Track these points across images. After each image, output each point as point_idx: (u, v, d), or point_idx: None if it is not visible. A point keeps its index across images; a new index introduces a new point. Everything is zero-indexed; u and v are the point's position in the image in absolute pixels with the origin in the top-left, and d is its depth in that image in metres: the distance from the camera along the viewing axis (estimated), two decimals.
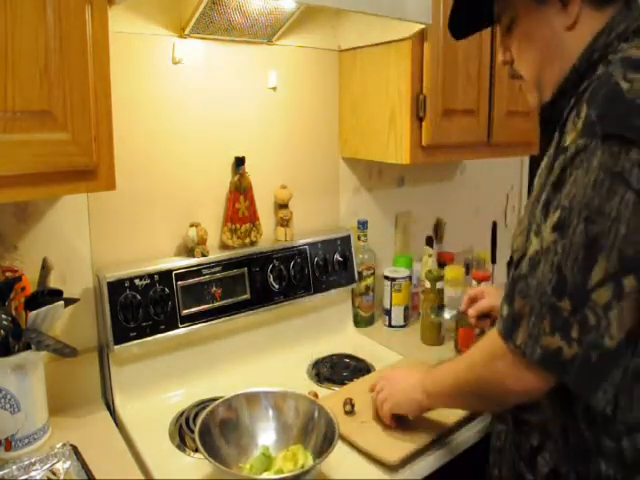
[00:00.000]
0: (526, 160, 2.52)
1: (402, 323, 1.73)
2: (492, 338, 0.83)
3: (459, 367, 0.93)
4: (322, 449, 1.00)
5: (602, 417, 0.79)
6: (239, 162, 1.42)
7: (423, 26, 1.34)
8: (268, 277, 1.44)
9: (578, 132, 0.74)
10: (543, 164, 0.85)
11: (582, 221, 0.71)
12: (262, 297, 1.43)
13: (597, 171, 0.71)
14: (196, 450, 1.07)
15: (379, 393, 1.13)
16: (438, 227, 2.06)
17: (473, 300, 1.26)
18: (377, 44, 1.49)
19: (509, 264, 0.91)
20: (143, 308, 1.23)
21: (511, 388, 0.80)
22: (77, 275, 1.23)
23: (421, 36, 1.39)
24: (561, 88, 0.86)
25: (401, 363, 1.14)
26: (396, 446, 1.07)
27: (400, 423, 1.11)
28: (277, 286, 1.46)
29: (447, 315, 1.26)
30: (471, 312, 1.25)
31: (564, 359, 0.73)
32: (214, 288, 1.34)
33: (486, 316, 1.24)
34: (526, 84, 0.93)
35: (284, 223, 1.52)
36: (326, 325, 1.63)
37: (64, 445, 1.01)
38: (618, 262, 0.70)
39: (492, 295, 1.23)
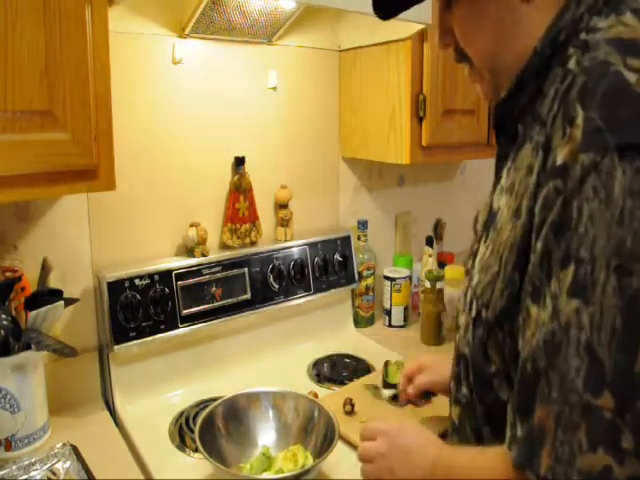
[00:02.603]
0: None
1: (402, 323, 1.73)
2: (499, 469, 0.60)
3: None
4: (322, 449, 1.00)
5: None
6: (239, 162, 1.42)
7: (423, 26, 1.34)
8: (268, 277, 1.44)
9: (578, 144, 0.54)
10: (513, 182, 0.65)
11: (613, 274, 0.51)
12: (262, 297, 1.43)
13: (622, 199, 0.51)
14: (196, 450, 1.07)
15: (375, 457, 0.82)
16: (438, 227, 2.06)
17: (410, 378, 1.11)
18: (377, 44, 1.49)
19: (475, 320, 0.69)
20: (143, 308, 1.23)
21: None
22: (77, 275, 1.23)
23: (421, 36, 1.39)
24: (519, 79, 0.67)
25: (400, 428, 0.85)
26: None
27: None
28: (277, 286, 1.46)
29: (386, 393, 1.22)
30: (410, 391, 1.10)
31: None
32: (214, 288, 1.34)
33: (428, 394, 1.11)
34: (475, 71, 0.76)
35: (284, 223, 1.52)
36: (326, 325, 1.63)
37: (64, 445, 1.01)
38: None
39: (431, 369, 1.08)
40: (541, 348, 0.55)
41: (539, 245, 0.57)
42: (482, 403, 0.70)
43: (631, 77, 0.54)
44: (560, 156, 0.55)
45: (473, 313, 0.69)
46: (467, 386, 0.73)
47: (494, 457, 0.62)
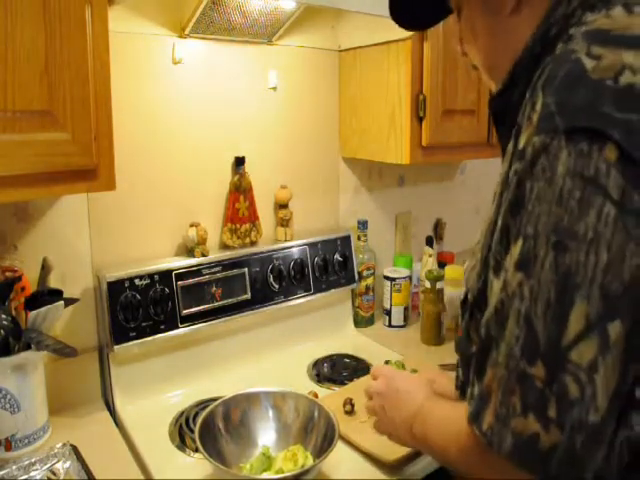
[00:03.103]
0: None
1: (402, 323, 1.73)
2: (461, 424, 0.65)
3: (438, 445, 0.75)
4: (322, 449, 1.00)
5: None
6: (239, 162, 1.42)
7: None
8: (268, 277, 1.44)
9: (534, 127, 0.57)
10: (500, 175, 0.68)
11: (551, 250, 0.54)
12: (262, 297, 1.43)
13: (563, 179, 0.53)
14: (196, 450, 1.07)
15: (374, 395, 0.96)
16: (438, 227, 2.06)
17: None
18: (377, 44, 1.49)
19: (463, 304, 0.74)
20: (143, 308, 1.23)
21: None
22: (77, 275, 1.23)
23: (421, 36, 1.39)
24: (512, 74, 0.69)
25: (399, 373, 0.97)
26: (396, 446, 1.07)
27: None
28: (277, 286, 1.46)
29: None
30: None
31: (541, 450, 0.54)
32: (214, 288, 1.34)
33: None
34: (483, 75, 0.79)
35: (284, 223, 1.52)
36: (326, 325, 1.63)
37: (64, 445, 1.01)
38: (601, 303, 0.52)
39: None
40: (493, 316, 0.60)
41: (500, 222, 0.61)
42: (462, 357, 0.76)
43: (589, 63, 0.55)
44: (522, 140, 0.59)
45: (462, 298, 0.75)
46: (461, 371, 0.78)
47: (462, 413, 0.66)
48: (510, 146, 0.63)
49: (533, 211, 0.56)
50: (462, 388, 0.78)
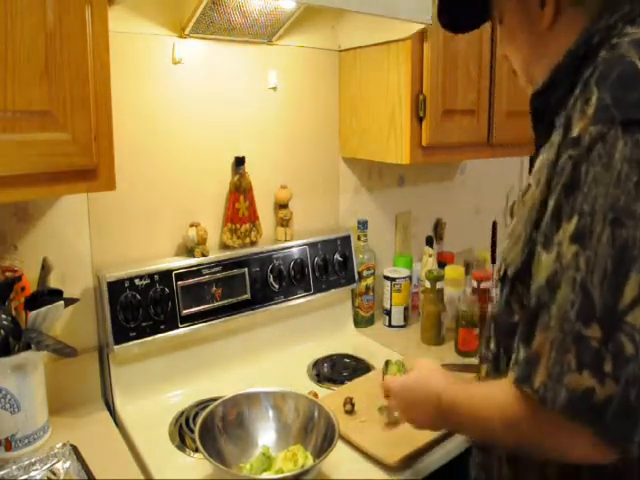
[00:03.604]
0: (526, 160, 2.52)
1: (402, 323, 1.73)
2: (505, 394, 0.68)
3: (477, 428, 0.78)
4: (322, 449, 1.00)
5: (613, 470, 0.67)
6: (239, 162, 1.42)
7: (423, 26, 1.34)
8: (268, 277, 1.44)
9: (590, 119, 0.63)
10: (540, 162, 0.74)
11: (608, 226, 0.60)
12: (262, 297, 1.43)
13: (621, 164, 0.60)
14: (196, 450, 1.07)
15: (398, 410, 1.00)
16: (438, 227, 2.06)
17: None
18: (377, 44, 1.49)
19: (502, 279, 0.79)
20: (143, 308, 1.23)
21: (550, 453, 0.67)
22: (77, 275, 1.23)
23: (421, 36, 1.39)
24: (554, 75, 0.76)
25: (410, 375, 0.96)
26: (396, 446, 1.07)
27: None
28: (277, 286, 1.46)
29: None
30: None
31: (596, 402, 0.58)
32: (214, 288, 1.34)
33: None
34: (520, 79, 0.87)
35: (284, 223, 1.52)
36: (326, 325, 1.63)
37: (64, 445, 1.01)
38: None
39: None
40: (544, 285, 0.65)
41: (551, 202, 0.66)
42: (506, 353, 0.77)
43: None
44: (575, 129, 0.65)
45: (501, 273, 0.80)
46: (495, 342, 0.83)
47: (501, 386, 0.70)
48: (557, 137, 0.70)
49: (589, 192, 0.61)
50: (495, 360, 0.82)
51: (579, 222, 0.62)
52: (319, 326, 1.61)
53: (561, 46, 0.74)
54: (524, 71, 0.84)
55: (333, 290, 1.60)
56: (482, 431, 0.77)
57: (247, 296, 1.40)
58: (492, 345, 0.83)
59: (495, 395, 0.72)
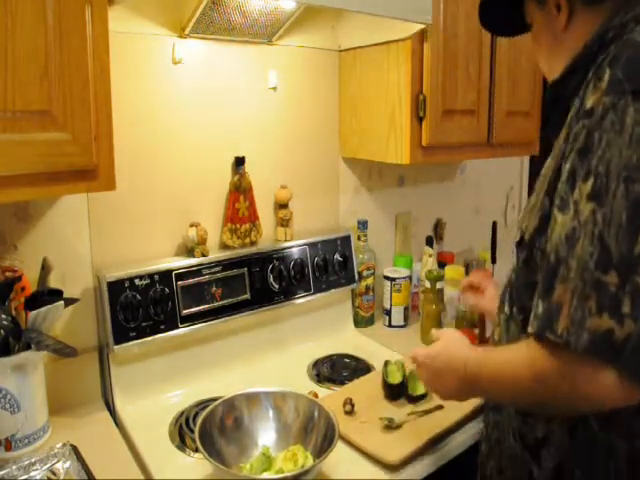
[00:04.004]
0: (526, 160, 2.53)
1: (402, 323, 1.73)
2: (532, 350, 0.72)
3: (506, 390, 0.81)
4: (322, 449, 1.00)
5: (617, 417, 0.74)
6: (239, 162, 1.42)
7: (423, 26, 1.34)
8: (268, 277, 1.44)
9: (602, 91, 0.70)
10: (556, 142, 0.80)
11: (622, 183, 0.66)
12: (262, 297, 1.43)
13: (632, 128, 0.66)
14: (196, 450, 1.07)
15: (424, 382, 1.03)
16: (438, 227, 2.06)
17: (473, 287, 1.25)
18: (377, 44, 1.49)
19: (519, 244, 0.86)
20: (143, 308, 1.23)
21: (580, 402, 0.70)
22: (77, 275, 1.23)
23: (421, 36, 1.39)
24: (571, 64, 0.84)
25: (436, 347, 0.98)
26: (396, 446, 1.07)
27: None
28: (277, 286, 1.46)
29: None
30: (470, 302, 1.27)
31: (616, 341, 0.64)
32: (214, 288, 1.34)
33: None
34: (544, 71, 0.96)
35: (284, 223, 1.52)
36: (326, 325, 1.63)
37: (64, 445, 1.01)
38: None
39: (490, 299, 1.18)
40: (563, 241, 0.70)
41: (567, 167, 0.72)
42: (521, 312, 0.84)
43: None
44: (589, 102, 0.71)
45: (517, 239, 0.86)
46: (509, 304, 0.88)
47: (525, 344, 0.75)
48: (571, 114, 0.77)
49: (603, 155, 0.67)
50: (506, 323, 0.89)
51: (595, 182, 0.67)
52: (319, 326, 1.61)
53: (575, 44, 0.83)
54: (547, 68, 0.92)
55: (333, 290, 1.60)
56: (511, 392, 0.79)
57: (247, 296, 1.40)
58: (506, 308, 0.89)
59: (521, 354, 0.75)
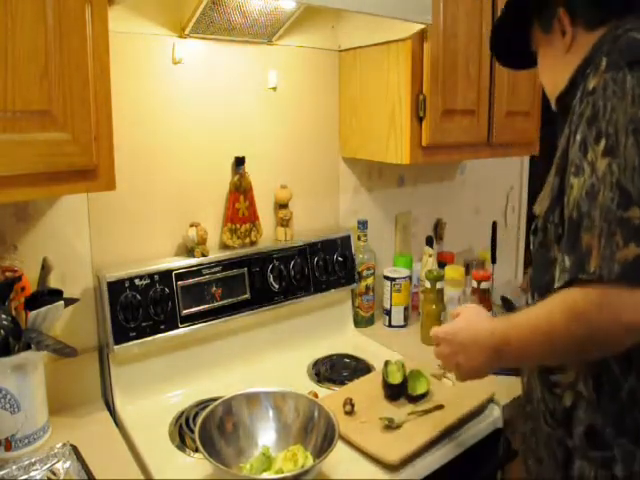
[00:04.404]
0: (526, 160, 2.52)
1: (402, 323, 1.73)
2: (568, 295, 0.76)
3: (540, 344, 0.82)
4: (322, 449, 1.00)
5: (637, 358, 0.80)
6: (239, 162, 1.42)
7: (423, 26, 1.34)
8: (268, 277, 1.44)
9: (602, 72, 0.78)
10: (565, 130, 0.86)
11: (631, 135, 0.73)
12: (262, 297, 1.43)
13: (632, 90, 0.74)
14: (196, 450, 1.07)
15: (445, 360, 1.01)
16: (438, 227, 2.06)
17: None
18: (377, 44, 1.49)
19: (534, 232, 0.92)
20: (143, 308, 1.23)
21: (622, 336, 0.74)
22: (77, 275, 1.23)
23: (421, 36, 1.39)
24: (574, 77, 0.92)
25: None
26: (396, 446, 1.07)
27: None
28: (277, 286, 1.46)
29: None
30: None
31: None
32: (214, 288, 1.34)
33: None
34: (547, 91, 1.04)
35: (284, 223, 1.52)
36: (326, 325, 1.63)
37: (64, 445, 1.01)
38: None
39: None
40: (583, 197, 0.75)
41: (577, 137, 0.79)
42: (540, 295, 0.89)
43: (638, 36, 0.82)
44: (591, 84, 0.80)
45: (532, 227, 0.93)
46: (531, 291, 0.95)
47: (544, 303, 0.80)
48: (576, 100, 0.84)
49: (610, 118, 0.75)
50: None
51: (607, 141, 0.74)
52: (319, 326, 1.61)
53: (576, 60, 0.91)
54: (552, 85, 1.00)
55: (333, 290, 1.60)
56: (547, 343, 0.80)
57: (247, 296, 1.40)
58: (529, 298, 0.95)
59: (553, 304, 0.78)
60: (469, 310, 1.00)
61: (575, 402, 0.88)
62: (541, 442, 0.96)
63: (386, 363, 1.29)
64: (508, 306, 1.81)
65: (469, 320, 0.96)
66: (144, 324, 1.23)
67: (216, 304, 1.34)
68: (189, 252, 1.35)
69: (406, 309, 1.73)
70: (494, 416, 1.24)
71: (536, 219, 0.93)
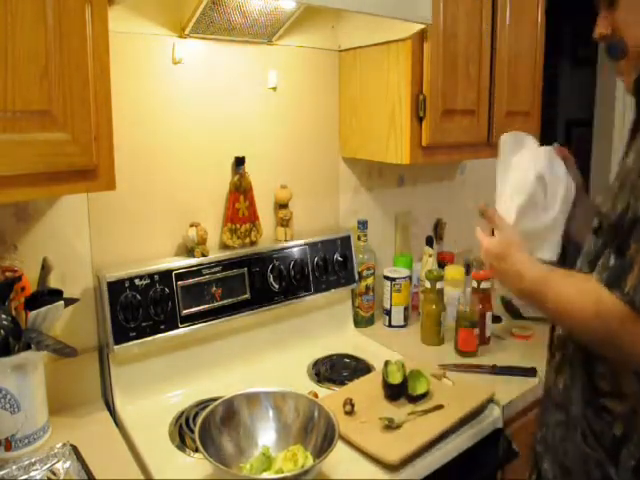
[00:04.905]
0: None
1: (402, 323, 1.72)
2: (599, 292, 0.76)
3: (570, 312, 0.84)
4: (322, 449, 1.00)
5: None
6: (239, 162, 1.42)
7: (423, 26, 1.34)
8: (268, 277, 1.44)
9: None
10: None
11: None
12: (262, 297, 1.43)
13: None
14: (196, 450, 1.07)
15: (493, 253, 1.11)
16: (438, 227, 2.06)
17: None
18: (377, 44, 1.49)
19: (596, 231, 0.89)
20: (143, 308, 1.23)
21: (629, 350, 0.75)
22: (77, 275, 1.23)
23: (421, 36, 1.39)
24: None
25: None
26: (396, 446, 1.07)
27: None
28: (277, 286, 1.46)
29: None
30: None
31: None
32: (214, 288, 1.34)
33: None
34: (626, 63, 0.92)
35: (284, 223, 1.52)
36: (326, 325, 1.63)
37: (64, 445, 1.01)
38: None
39: None
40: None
41: None
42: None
43: None
44: None
45: (595, 225, 0.89)
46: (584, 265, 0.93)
47: (582, 276, 0.83)
48: None
49: None
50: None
51: None
52: (319, 326, 1.61)
53: None
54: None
55: (333, 290, 1.60)
56: (576, 316, 0.81)
57: (247, 296, 1.40)
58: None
59: (589, 290, 0.79)
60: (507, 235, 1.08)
61: (628, 434, 0.83)
62: (573, 455, 0.91)
63: (386, 363, 1.29)
64: (508, 306, 1.81)
65: (502, 252, 1.04)
66: (144, 324, 1.23)
67: (216, 304, 1.34)
68: (189, 252, 1.35)
69: (406, 309, 1.73)
70: (494, 416, 1.24)
71: (599, 218, 0.88)
